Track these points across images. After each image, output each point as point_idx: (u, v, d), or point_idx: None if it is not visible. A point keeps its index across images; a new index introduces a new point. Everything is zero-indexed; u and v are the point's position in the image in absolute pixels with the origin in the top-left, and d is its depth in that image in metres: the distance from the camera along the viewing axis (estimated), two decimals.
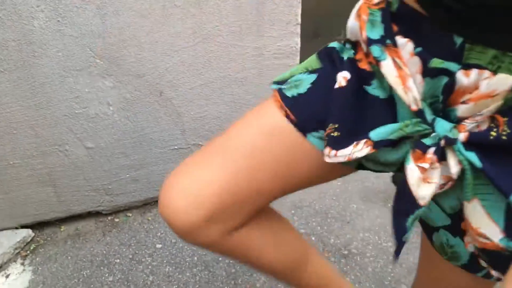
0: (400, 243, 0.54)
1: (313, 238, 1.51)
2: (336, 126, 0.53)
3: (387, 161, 0.55)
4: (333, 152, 0.53)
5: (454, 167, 0.47)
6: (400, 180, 0.51)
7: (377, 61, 0.49)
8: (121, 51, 1.28)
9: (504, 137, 0.43)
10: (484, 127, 0.45)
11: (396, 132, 0.49)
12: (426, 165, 0.47)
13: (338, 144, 0.53)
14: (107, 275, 1.41)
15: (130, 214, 1.61)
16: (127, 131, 1.43)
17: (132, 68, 1.32)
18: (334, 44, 0.59)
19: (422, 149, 0.48)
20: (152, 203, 1.64)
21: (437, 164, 0.47)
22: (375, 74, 0.53)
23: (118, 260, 1.45)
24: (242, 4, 1.31)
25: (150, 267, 1.43)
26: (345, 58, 0.56)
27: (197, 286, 1.36)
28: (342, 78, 0.54)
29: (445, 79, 0.45)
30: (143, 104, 1.40)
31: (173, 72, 1.36)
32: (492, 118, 0.45)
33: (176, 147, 1.52)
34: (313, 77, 0.58)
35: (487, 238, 0.48)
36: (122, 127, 1.41)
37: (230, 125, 0.62)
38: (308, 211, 1.61)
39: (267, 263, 0.68)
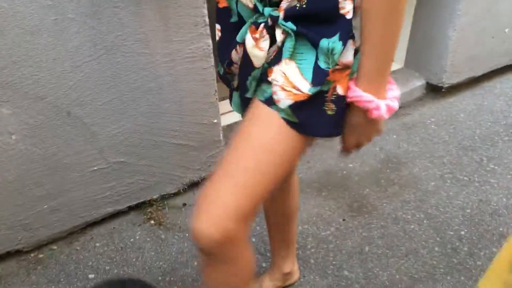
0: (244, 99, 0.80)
1: (254, 240, 1.48)
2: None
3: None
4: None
5: (279, 36, 0.68)
6: (242, 56, 0.74)
7: None
8: (14, 73, 1.16)
9: (304, 6, 0.65)
10: (293, 4, 0.66)
11: (247, 27, 0.71)
12: (257, 36, 0.69)
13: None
14: None
15: (55, 247, 1.48)
16: (36, 159, 1.30)
17: (30, 91, 1.20)
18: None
19: (256, 26, 0.70)
20: (78, 231, 1.52)
21: (267, 36, 0.69)
22: (231, 5, 0.76)
23: None
24: (143, 9, 1.24)
25: None
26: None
27: None
28: (217, 31, 0.82)
29: None
30: (50, 128, 1.28)
31: (79, 89, 1.26)
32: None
33: (95, 168, 1.42)
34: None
35: (298, 90, 0.68)
36: (29, 156, 1.29)
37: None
38: None
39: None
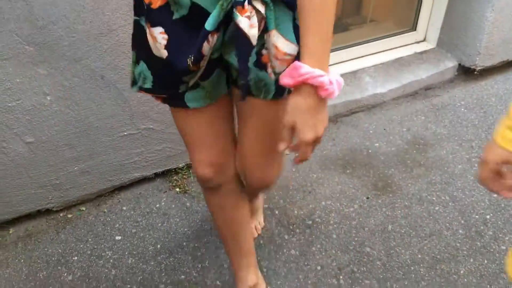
0: (246, 82, 0.77)
1: (276, 212, 1.50)
2: (192, 59, 0.74)
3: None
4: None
5: (261, 8, 0.71)
6: (234, 35, 0.74)
7: None
8: (52, 34, 1.17)
9: None
10: None
11: (220, 12, 0.70)
12: (248, 14, 0.69)
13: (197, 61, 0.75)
14: (65, 274, 1.34)
15: (83, 208, 1.52)
16: (69, 121, 1.32)
17: (66, 53, 1.21)
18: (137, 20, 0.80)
19: (241, 5, 0.69)
20: (106, 194, 1.56)
21: (253, 11, 0.70)
22: (170, 2, 0.72)
23: (76, 258, 1.38)
24: None
25: (111, 260, 1.37)
26: (143, 22, 0.77)
27: (163, 274, 1.32)
28: (156, 35, 0.75)
29: None
30: (84, 91, 1.30)
31: (113, 53, 1.27)
32: None
33: (125, 133, 1.44)
34: (143, 64, 0.81)
35: (289, 54, 0.74)
36: (63, 118, 1.31)
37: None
38: None
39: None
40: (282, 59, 0.75)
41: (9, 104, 1.23)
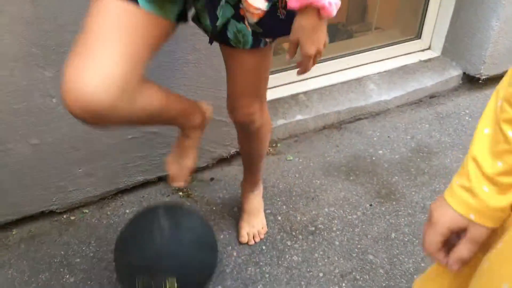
0: (214, 31, 0.92)
1: (279, 218, 1.49)
2: None
3: None
4: None
5: None
6: None
7: None
8: (59, 37, 1.18)
9: None
10: None
11: None
12: None
13: None
14: (68, 276, 1.34)
15: (86, 210, 1.53)
16: (74, 123, 1.32)
17: None
18: None
19: None
20: (109, 197, 1.56)
21: None
22: None
23: (78, 260, 1.38)
24: None
25: (113, 263, 1.36)
26: None
27: None
28: None
29: None
30: None
31: None
32: None
33: (130, 136, 1.44)
34: None
35: (259, 9, 0.84)
36: (68, 120, 1.32)
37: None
38: (272, 191, 1.59)
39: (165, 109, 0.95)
40: (252, 13, 0.86)
41: (15, 106, 1.24)
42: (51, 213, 1.51)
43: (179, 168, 1.13)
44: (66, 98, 0.77)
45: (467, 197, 0.54)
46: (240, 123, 1.18)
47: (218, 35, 0.95)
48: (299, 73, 0.93)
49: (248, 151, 1.32)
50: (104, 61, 0.76)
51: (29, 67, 1.19)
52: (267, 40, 0.95)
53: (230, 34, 0.93)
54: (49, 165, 1.38)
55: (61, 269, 1.35)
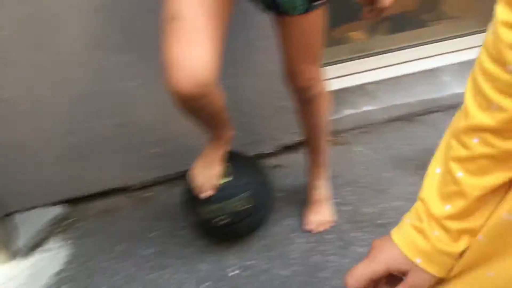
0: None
1: (346, 208, 1.48)
2: None
3: None
4: None
5: None
6: None
7: None
8: (140, 25, 1.23)
9: None
10: None
11: None
12: None
13: None
14: (143, 248, 1.41)
15: (159, 189, 1.59)
16: (152, 103, 1.39)
17: (154, 43, 1.26)
18: None
19: None
20: (180, 177, 1.61)
21: None
22: None
23: (152, 234, 1.45)
24: None
25: (183, 239, 1.42)
26: None
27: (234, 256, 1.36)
28: None
29: None
30: None
31: None
32: None
33: None
34: None
35: None
36: (147, 101, 1.38)
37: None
38: (338, 181, 1.58)
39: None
40: None
41: (95, 88, 1.31)
42: (126, 189, 1.59)
43: (205, 178, 1.22)
44: (179, 76, 0.86)
45: (418, 239, 0.48)
46: (299, 89, 1.19)
47: (272, 4, 0.98)
48: (365, 15, 0.99)
49: (309, 123, 1.29)
50: (204, 45, 0.88)
51: (111, 51, 1.25)
52: (320, 1, 0.99)
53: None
54: (128, 143, 1.46)
55: (137, 242, 1.43)
